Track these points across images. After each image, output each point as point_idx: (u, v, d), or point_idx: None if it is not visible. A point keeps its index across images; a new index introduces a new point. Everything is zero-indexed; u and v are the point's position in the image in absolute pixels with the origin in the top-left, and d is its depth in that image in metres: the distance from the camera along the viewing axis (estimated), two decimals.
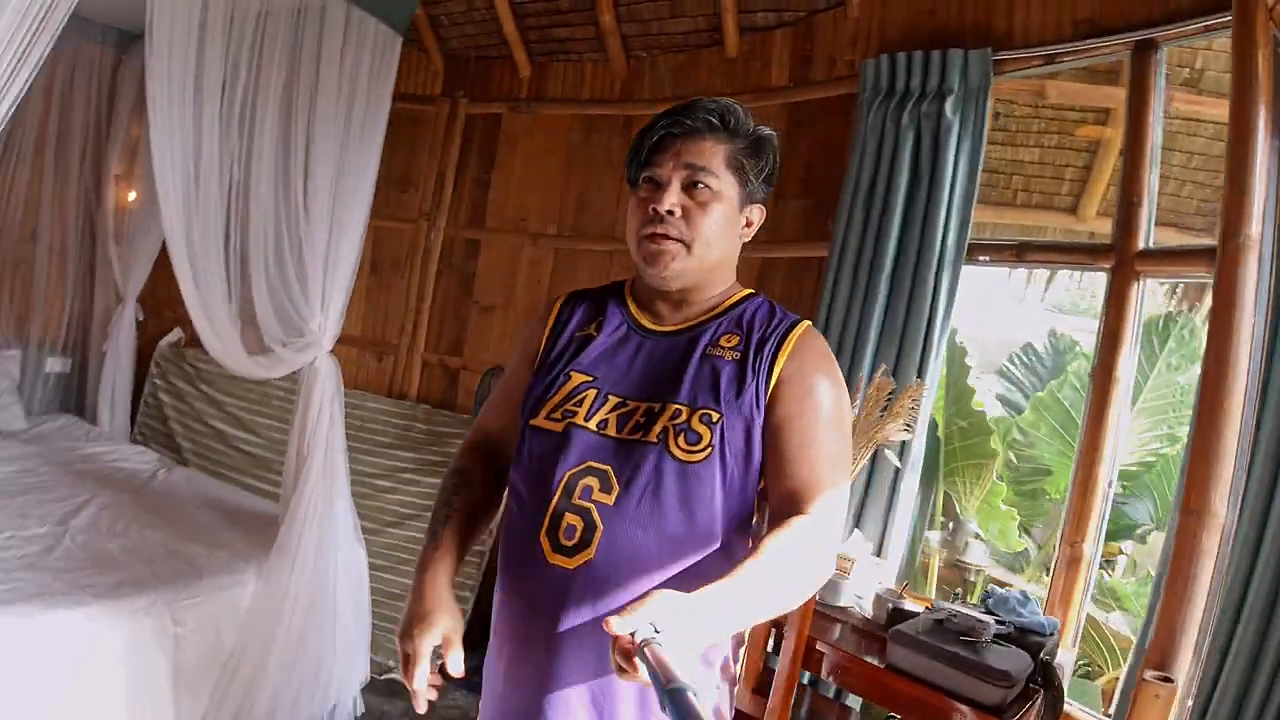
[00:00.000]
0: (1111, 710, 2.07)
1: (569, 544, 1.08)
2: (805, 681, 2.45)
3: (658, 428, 1.10)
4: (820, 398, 1.12)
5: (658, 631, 0.80)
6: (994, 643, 1.78)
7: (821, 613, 2.19)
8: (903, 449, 2.46)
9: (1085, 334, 3.93)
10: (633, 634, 0.81)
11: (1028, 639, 1.86)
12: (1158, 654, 1.40)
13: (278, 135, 2.49)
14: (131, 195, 3.73)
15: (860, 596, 2.25)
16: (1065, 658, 2.01)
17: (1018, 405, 3.89)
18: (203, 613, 2.26)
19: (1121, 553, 3.32)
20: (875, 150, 2.57)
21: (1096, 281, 2.21)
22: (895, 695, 1.81)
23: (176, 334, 3.93)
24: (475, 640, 1.17)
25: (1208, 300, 2.13)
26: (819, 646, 1.99)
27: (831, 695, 2.45)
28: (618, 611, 1.01)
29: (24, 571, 2.08)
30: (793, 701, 2.38)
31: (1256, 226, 1.44)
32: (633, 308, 1.26)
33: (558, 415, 1.17)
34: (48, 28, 1.74)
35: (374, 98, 2.64)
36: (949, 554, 3.33)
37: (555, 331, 1.28)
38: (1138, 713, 1.43)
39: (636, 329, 1.23)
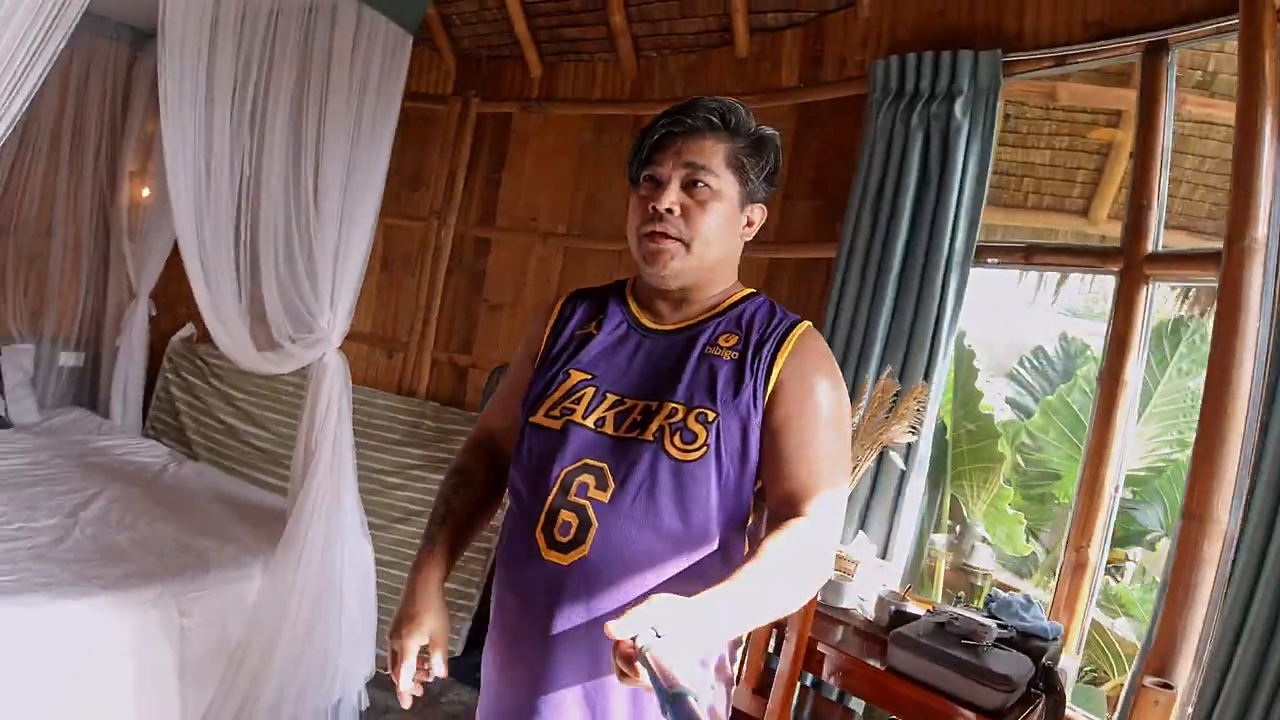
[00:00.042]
0: (1115, 717, 2.05)
1: (564, 540, 1.08)
2: (808, 683, 2.44)
3: (654, 426, 1.10)
4: (819, 398, 1.12)
5: (659, 636, 0.80)
6: (995, 647, 1.77)
7: (824, 614, 2.19)
8: (908, 451, 2.45)
9: (1097, 338, 3.89)
10: (633, 639, 0.80)
11: (1030, 644, 1.85)
12: (1158, 660, 1.39)
13: (288, 133, 2.51)
14: (145, 192, 3.77)
15: (863, 598, 2.25)
16: (1068, 663, 2.00)
17: (1027, 409, 3.86)
18: (210, 605, 2.28)
19: (1128, 559, 3.30)
20: (884, 151, 2.56)
21: (1109, 285, 2.19)
22: (895, 698, 1.80)
23: (189, 329, 3.96)
24: (479, 638, 1.18)
25: None
26: (820, 648, 1.98)
27: (834, 698, 2.45)
28: (617, 615, 1.03)
29: (32, 562, 2.10)
30: (795, 703, 2.38)
31: (1262, 229, 1.43)
32: (633, 306, 1.26)
33: (556, 413, 1.17)
34: (60, 25, 1.77)
35: (384, 96, 2.65)
36: (955, 557, 3.31)
37: (556, 330, 1.29)
38: (1137, 719, 1.42)
39: (636, 328, 1.24)
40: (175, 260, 3.18)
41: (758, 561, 0.98)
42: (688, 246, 1.15)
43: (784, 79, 3.03)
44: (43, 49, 1.75)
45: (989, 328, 4.34)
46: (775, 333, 1.16)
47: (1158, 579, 2.96)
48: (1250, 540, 1.53)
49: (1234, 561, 1.50)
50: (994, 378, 4.13)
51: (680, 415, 1.10)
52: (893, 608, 2.06)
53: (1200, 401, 1.50)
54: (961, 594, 2.13)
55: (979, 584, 3.13)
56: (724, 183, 1.15)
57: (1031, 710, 1.74)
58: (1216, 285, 1.66)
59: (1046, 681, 1.81)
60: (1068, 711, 1.87)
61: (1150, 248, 2.15)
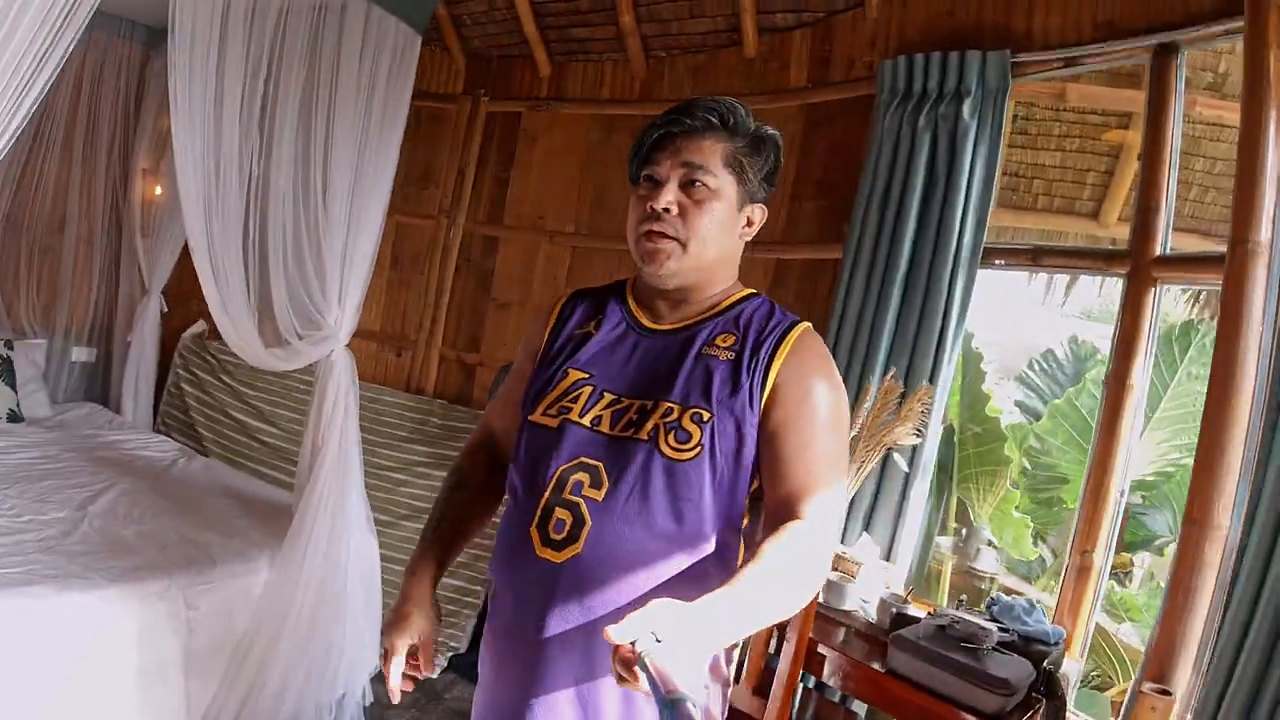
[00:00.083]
0: None
1: (558, 538, 1.09)
2: (811, 685, 2.44)
3: (649, 425, 1.10)
4: (817, 400, 1.11)
5: (658, 641, 0.80)
6: (996, 650, 1.77)
7: (825, 616, 2.19)
8: (914, 453, 2.44)
9: (1107, 341, 3.86)
10: (633, 643, 0.80)
11: (1032, 648, 1.84)
12: (1156, 666, 1.38)
13: (297, 132, 2.52)
14: (158, 189, 3.80)
15: (866, 600, 2.24)
16: (1071, 667, 1.99)
17: (1037, 412, 3.84)
18: (216, 598, 2.29)
19: (1133, 564, 3.27)
20: (891, 152, 2.55)
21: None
22: (895, 700, 1.80)
23: (200, 326, 4.00)
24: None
25: None
26: (821, 649, 1.98)
27: (837, 700, 2.44)
28: (610, 613, 1.04)
29: (41, 554, 2.12)
30: (797, 705, 2.38)
31: (1265, 232, 1.41)
32: (633, 306, 1.26)
33: (554, 411, 1.18)
34: (71, 25, 1.78)
35: (393, 96, 2.65)
36: (960, 561, 3.30)
37: (556, 329, 1.29)
38: None
39: (635, 327, 1.24)
40: (187, 257, 3.21)
41: (757, 565, 0.98)
42: (684, 246, 1.15)
43: (792, 79, 3.02)
44: (54, 48, 1.76)
45: (1000, 330, 4.31)
46: (773, 334, 1.15)
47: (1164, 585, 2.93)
48: (1255, 547, 1.51)
49: (1238, 568, 1.48)
50: (1004, 380, 4.11)
51: (675, 415, 1.10)
52: (894, 610, 2.05)
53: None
54: (964, 597, 2.12)
55: (985, 588, 3.11)
56: (722, 182, 1.15)
57: (1032, 714, 1.74)
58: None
59: (1047, 686, 1.80)
60: (1070, 716, 1.86)
61: (1158, 250, 2.13)
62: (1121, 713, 1.75)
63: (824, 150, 2.92)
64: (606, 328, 1.25)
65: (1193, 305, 3.19)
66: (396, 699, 1.17)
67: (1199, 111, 2.42)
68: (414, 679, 1.20)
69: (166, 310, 3.95)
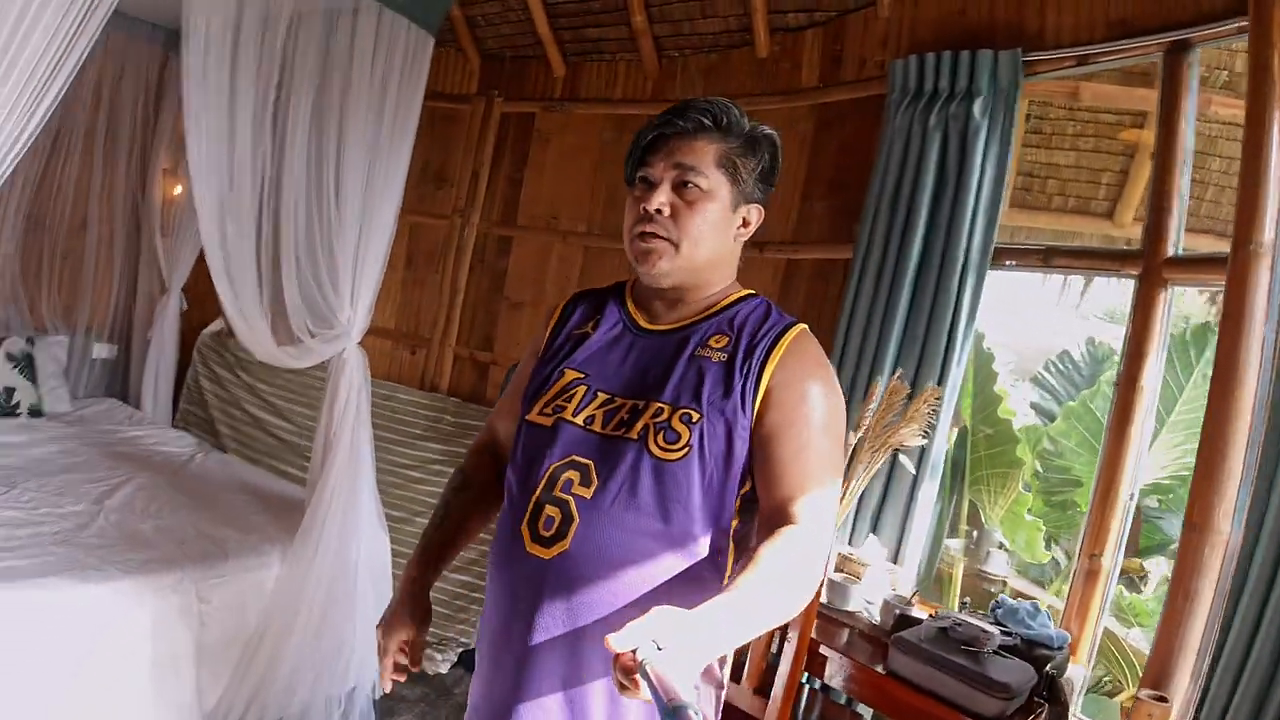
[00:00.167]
0: None
1: (547, 535, 1.10)
2: (816, 687, 2.44)
3: (639, 425, 1.11)
4: (812, 404, 1.11)
5: (659, 649, 0.80)
6: (998, 654, 1.75)
7: (829, 617, 2.19)
8: (922, 455, 2.43)
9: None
10: (633, 651, 0.80)
11: (1035, 652, 1.83)
12: (1154, 672, 1.37)
13: (310, 133, 2.55)
14: (178, 189, 3.86)
15: (870, 602, 2.24)
16: (1076, 672, 1.97)
17: (1052, 414, 3.80)
18: (228, 592, 2.33)
19: (1142, 569, 3.23)
20: (902, 152, 2.54)
21: None
22: (895, 702, 1.79)
23: (219, 323, 4.05)
24: None
25: None
26: (823, 650, 1.98)
27: (844, 702, 2.44)
28: (602, 616, 1.05)
29: (57, 546, 2.17)
30: (803, 707, 2.38)
31: (1269, 233, 1.39)
32: (631, 307, 1.27)
33: (549, 410, 1.19)
34: (87, 28, 1.81)
35: (405, 97, 2.67)
36: (971, 563, 3.27)
37: (556, 330, 1.31)
38: None
39: (631, 328, 1.25)
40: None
41: (754, 571, 0.98)
42: (676, 247, 1.15)
43: (804, 79, 3.02)
44: (70, 51, 1.80)
45: (1016, 331, 4.27)
46: (767, 336, 1.15)
47: None
48: (1262, 554, 1.49)
49: (1241, 575, 1.46)
50: (1019, 382, 4.07)
51: (665, 415, 1.11)
52: (898, 611, 2.05)
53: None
54: (967, 599, 2.11)
55: (995, 591, 3.09)
56: (714, 183, 1.16)
57: (1034, 719, 1.73)
58: None
59: (1050, 691, 1.79)
60: None
61: (1170, 251, 2.11)
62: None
63: (835, 150, 2.91)
64: (603, 328, 1.26)
65: (1211, 306, 3.14)
66: (388, 688, 1.27)
67: (1214, 111, 2.39)
68: (406, 671, 1.26)
69: (186, 308, 4.02)
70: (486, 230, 3.79)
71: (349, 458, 2.61)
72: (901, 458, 2.38)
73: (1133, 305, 2.16)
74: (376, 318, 3.86)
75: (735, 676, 1.95)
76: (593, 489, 1.10)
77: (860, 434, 2.26)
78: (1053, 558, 3.39)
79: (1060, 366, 3.95)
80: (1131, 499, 2.13)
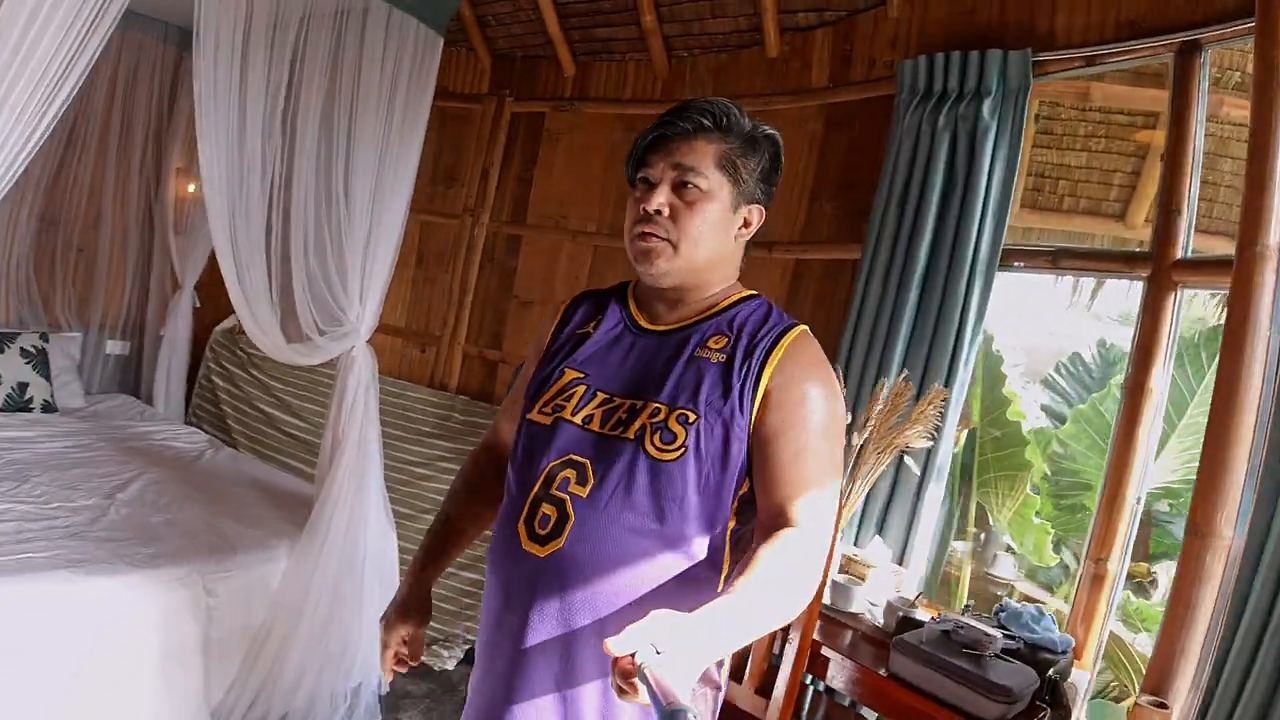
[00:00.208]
0: None
1: (543, 533, 1.11)
2: (820, 689, 2.43)
3: (637, 425, 1.12)
4: (811, 406, 1.11)
5: (658, 652, 0.80)
6: (999, 658, 1.75)
7: (832, 618, 2.18)
8: (928, 457, 2.42)
9: None
10: (632, 655, 0.80)
11: (1038, 656, 1.82)
12: (1155, 678, 1.36)
13: (320, 133, 2.57)
14: (191, 188, 3.90)
15: (874, 604, 2.23)
16: (1080, 677, 1.96)
17: (1063, 416, 3.77)
18: (235, 586, 2.35)
19: (1150, 574, 3.20)
20: (910, 152, 2.53)
21: None
22: (896, 704, 1.79)
23: (231, 320, 4.09)
24: None
25: None
26: (825, 652, 1.97)
27: (848, 704, 2.43)
28: (595, 614, 1.05)
29: (68, 540, 2.20)
30: (807, 708, 2.38)
31: (1275, 236, 1.38)
32: (632, 307, 1.28)
33: (548, 410, 1.20)
34: (99, 28, 1.83)
35: (414, 97, 2.69)
36: (978, 566, 3.25)
37: (559, 329, 1.32)
38: None
39: (632, 327, 1.25)
40: None
41: (752, 574, 0.98)
42: (675, 247, 1.16)
43: (814, 79, 3.01)
44: (82, 50, 1.82)
45: (1027, 333, 4.24)
46: (767, 337, 1.15)
47: None
48: (1268, 561, 1.47)
49: (1245, 581, 1.44)
50: (1031, 383, 4.04)
51: (662, 415, 1.11)
52: (901, 614, 2.04)
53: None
54: (971, 602, 2.10)
55: (1002, 594, 3.07)
56: (714, 183, 1.16)
57: None
58: None
59: (1052, 695, 1.78)
60: None
61: (1179, 253, 2.09)
62: None
63: (844, 150, 2.90)
64: (604, 328, 1.26)
65: (1220, 309, 3.10)
66: (389, 678, 1.38)
67: (1226, 112, 2.36)
68: (406, 664, 1.31)
69: (199, 305, 4.06)
70: (496, 229, 3.81)
71: (357, 455, 2.63)
72: (907, 459, 2.37)
73: (1141, 308, 2.15)
74: (387, 316, 3.88)
75: (737, 677, 1.95)
76: (589, 488, 1.10)
77: (865, 435, 2.26)
78: (1061, 561, 3.37)
79: (1071, 369, 3.92)
80: (1139, 503, 2.12)
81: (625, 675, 0.80)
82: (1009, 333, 3.98)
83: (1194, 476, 3.20)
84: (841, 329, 2.66)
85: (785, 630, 1.93)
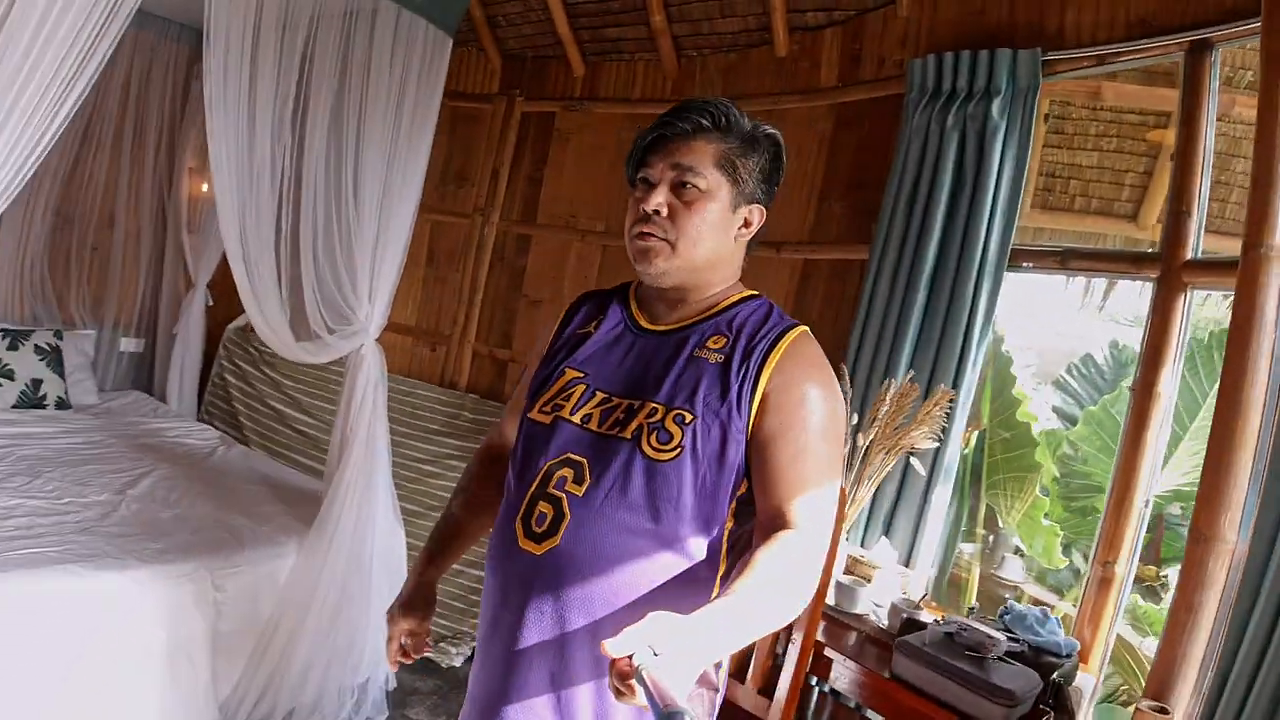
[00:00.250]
0: None
1: (539, 531, 1.11)
2: (826, 690, 2.43)
3: (634, 425, 1.12)
4: (810, 407, 1.11)
5: (656, 654, 0.80)
6: (1002, 660, 1.74)
7: (836, 619, 2.18)
8: (935, 458, 2.41)
9: None
10: (630, 656, 0.80)
11: (1042, 659, 1.81)
12: (1156, 683, 1.34)
13: (329, 133, 2.58)
14: (205, 187, 3.93)
15: (879, 605, 2.22)
16: (1085, 681, 1.94)
17: (1075, 418, 3.74)
18: (243, 581, 2.37)
19: (1160, 578, 3.17)
20: (919, 152, 2.53)
21: None
22: (898, 706, 1.78)
23: (244, 319, 4.12)
24: None
25: None
26: (828, 653, 1.97)
27: (853, 706, 2.42)
28: (589, 612, 1.06)
29: (78, 534, 2.22)
30: (811, 709, 2.37)
31: None
32: (634, 307, 1.28)
33: (548, 409, 1.21)
34: (112, 28, 1.85)
35: (423, 97, 2.70)
36: (986, 568, 3.23)
37: (561, 329, 1.33)
38: None
39: (632, 327, 1.25)
40: None
41: (750, 576, 0.98)
42: (673, 246, 1.16)
43: (823, 78, 3.00)
44: (94, 51, 1.84)
45: (1040, 334, 4.21)
46: (766, 338, 1.15)
47: None
48: (1275, 566, 1.45)
49: (1256, 588, 1.42)
50: (1042, 385, 4.01)
51: (659, 415, 1.11)
52: (905, 615, 2.03)
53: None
54: (975, 605, 2.09)
55: (1010, 597, 3.05)
56: (712, 183, 1.16)
57: None
58: None
59: (1056, 699, 1.77)
60: None
61: (1189, 254, 2.07)
62: None
63: (853, 150, 2.90)
64: (605, 328, 1.27)
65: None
66: (393, 670, 1.39)
67: (1239, 112, 2.34)
68: (411, 656, 1.35)
69: (211, 303, 4.09)
70: (506, 229, 3.82)
71: (365, 452, 2.64)
72: (913, 460, 2.36)
73: (1150, 309, 2.13)
74: (397, 315, 3.91)
75: (740, 676, 1.95)
76: (585, 487, 1.10)
77: (871, 436, 2.25)
78: (1071, 564, 3.34)
79: (1083, 370, 3.89)
80: (1147, 506, 2.10)
81: (623, 677, 0.80)
82: (1021, 334, 3.95)
83: None
84: (849, 329, 2.66)
85: (788, 630, 1.93)
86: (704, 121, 1.16)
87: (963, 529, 3.30)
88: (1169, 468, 3.15)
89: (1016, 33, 2.46)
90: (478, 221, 3.86)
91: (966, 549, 3.36)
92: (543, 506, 1.12)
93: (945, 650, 1.76)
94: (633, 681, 0.79)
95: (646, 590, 1.08)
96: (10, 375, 3.26)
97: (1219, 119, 2.15)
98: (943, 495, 2.45)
